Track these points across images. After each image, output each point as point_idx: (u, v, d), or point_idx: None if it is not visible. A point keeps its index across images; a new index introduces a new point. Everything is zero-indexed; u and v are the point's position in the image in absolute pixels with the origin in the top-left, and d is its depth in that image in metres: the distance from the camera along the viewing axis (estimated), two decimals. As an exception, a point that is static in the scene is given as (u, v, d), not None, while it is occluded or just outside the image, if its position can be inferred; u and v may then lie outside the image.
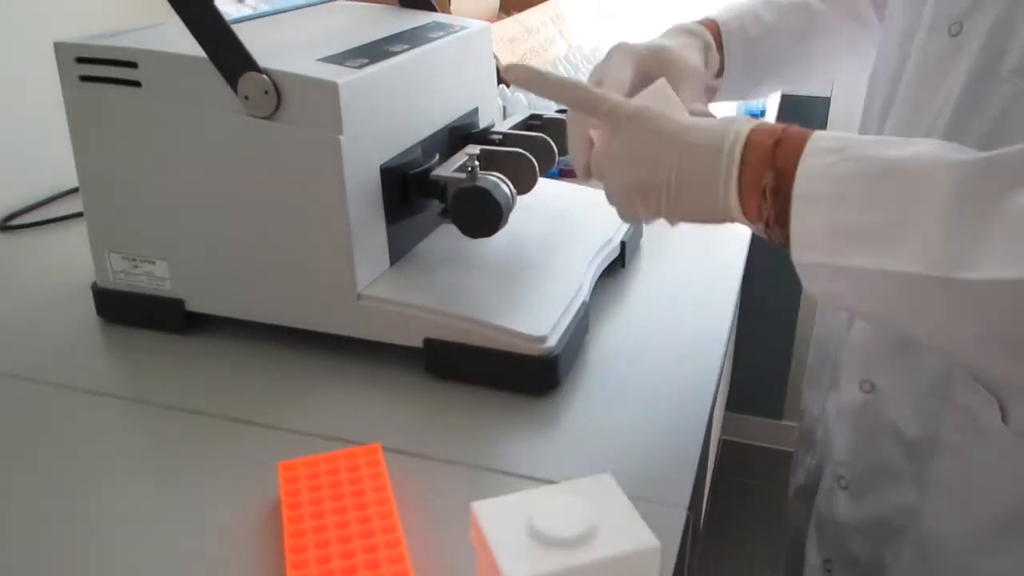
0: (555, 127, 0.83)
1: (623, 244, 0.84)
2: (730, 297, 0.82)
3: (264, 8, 0.94)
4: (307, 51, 0.69)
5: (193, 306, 0.74)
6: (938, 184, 0.42)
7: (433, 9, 0.90)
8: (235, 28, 0.71)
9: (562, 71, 1.33)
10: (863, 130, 0.70)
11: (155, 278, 0.74)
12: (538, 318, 0.67)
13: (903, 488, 0.63)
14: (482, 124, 0.87)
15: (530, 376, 0.66)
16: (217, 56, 0.64)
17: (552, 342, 0.66)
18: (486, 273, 0.73)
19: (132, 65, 0.67)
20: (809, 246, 0.45)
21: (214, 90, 0.65)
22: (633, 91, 0.58)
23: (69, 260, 0.88)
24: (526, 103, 1.12)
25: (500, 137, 0.79)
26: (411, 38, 0.77)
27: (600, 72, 0.62)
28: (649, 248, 0.90)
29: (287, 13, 0.87)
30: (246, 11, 0.90)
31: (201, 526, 0.54)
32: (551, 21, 1.58)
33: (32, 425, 0.64)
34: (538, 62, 1.43)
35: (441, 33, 0.81)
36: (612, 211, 0.57)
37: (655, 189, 0.51)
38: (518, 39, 1.43)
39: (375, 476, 0.54)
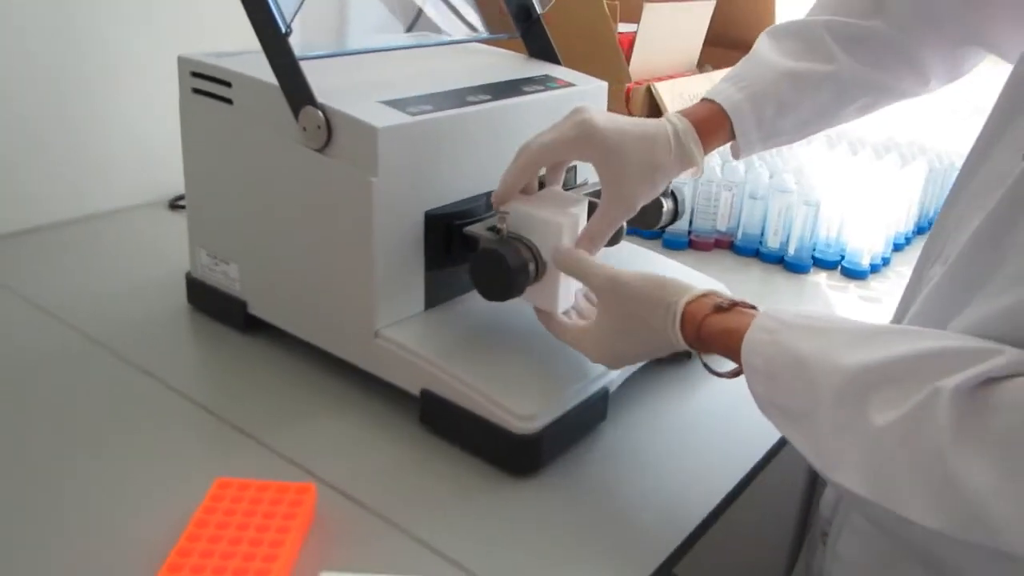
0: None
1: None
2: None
3: (415, 41, 0.98)
4: (381, 92, 0.71)
5: (253, 309, 0.79)
6: (825, 385, 0.47)
7: (557, 62, 0.89)
8: (344, 61, 0.76)
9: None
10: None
11: (229, 278, 0.80)
12: (534, 395, 0.64)
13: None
14: (587, 180, 0.85)
15: (509, 454, 0.63)
16: (285, 87, 0.68)
17: (538, 423, 0.62)
18: (513, 337, 0.71)
19: (227, 84, 0.73)
20: (760, 406, 0.54)
21: (285, 118, 0.69)
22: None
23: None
24: (665, 166, 1.07)
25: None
26: (502, 89, 0.77)
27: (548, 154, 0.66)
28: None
29: (414, 50, 0.90)
30: (402, 42, 0.95)
31: (142, 516, 0.57)
32: (755, 82, 1.50)
33: (72, 387, 0.72)
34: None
35: (539, 88, 0.80)
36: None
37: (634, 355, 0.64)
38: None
39: (289, 515, 0.54)
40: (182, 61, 0.77)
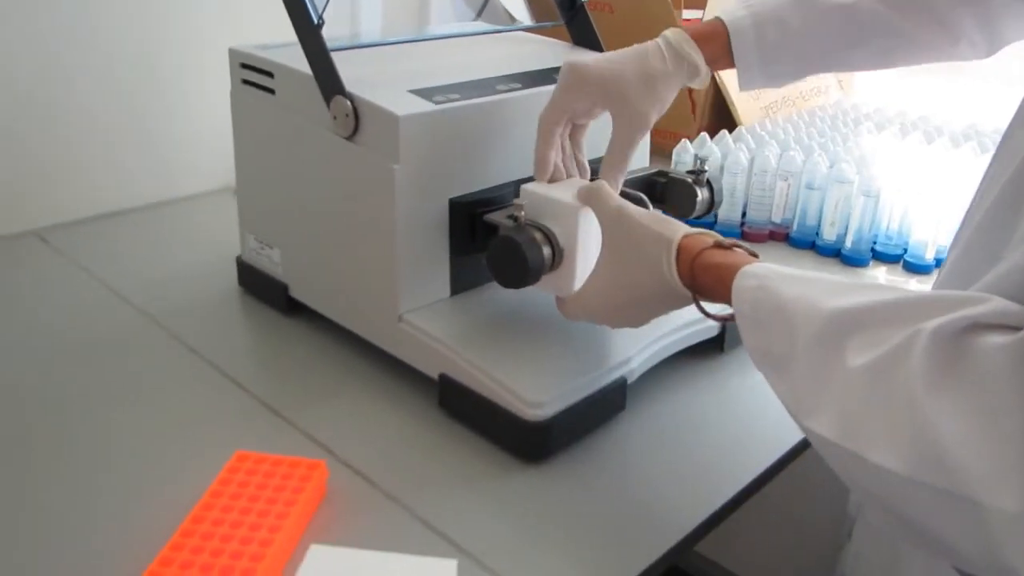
0: (678, 187, 0.78)
1: (723, 327, 0.77)
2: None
3: (459, 30, 0.99)
4: (413, 81, 0.72)
5: (294, 292, 0.82)
6: (805, 329, 0.46)
7: (600, 49, 0.88)
8: (388, 50, 0.79)
9: (816, 123, 1.21)
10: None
11: (273, 262, 0.83)
12: (546, 382, 0.64)
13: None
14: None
15: (519, 440, 0.64)
16: (318, 77, 0.70)
17: (548, 410, 0.63)
18: (535, 325, 0.71)
19: (270, 75, 0.76)
20: (751, 357, 0.52)
21: (320, 107, 0.71)
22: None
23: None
24: (719, 153, 1.05)
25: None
26: (534, 78, 0.77)
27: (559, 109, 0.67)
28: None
29: (457, 39, 0.91)
30: (444, 31, 0.96)
31: (164, 483, 0.61)
32: (832, 68, 1.44)
33: (118, 352, 0.77)
34: (790, 112, 1.32)
35: (574, 75, 0.79)
36: None
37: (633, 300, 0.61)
38: (772, 84, 1.33)
39: (298, 490, 0.57)
40: (232, 53, 0.81)
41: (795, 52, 0.68)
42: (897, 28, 0.67)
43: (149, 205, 1.12)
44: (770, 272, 0.52)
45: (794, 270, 0.52)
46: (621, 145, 0.66)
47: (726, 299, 0.55)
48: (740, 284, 0.52)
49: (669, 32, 0.68)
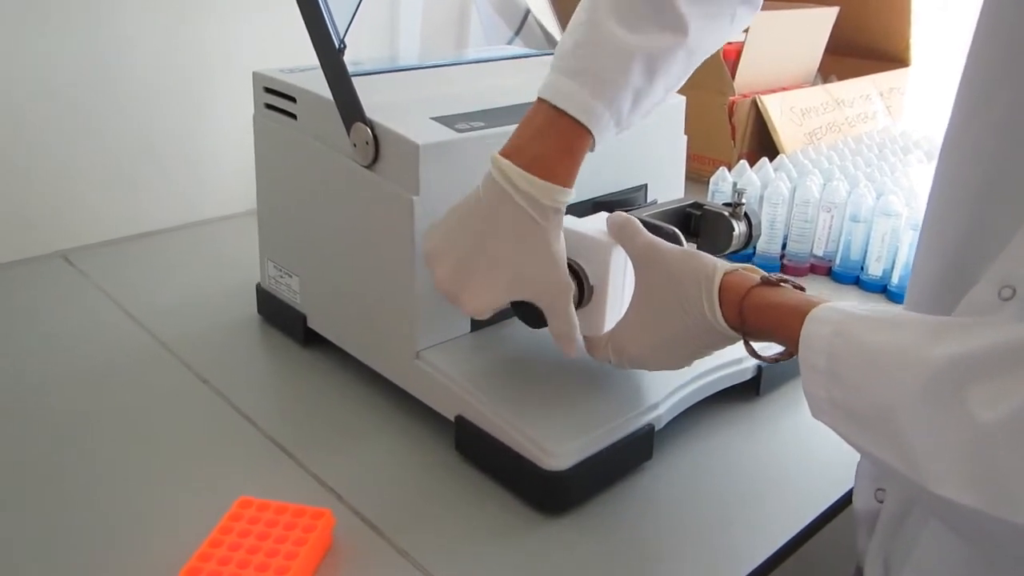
0: (713, 220, 0.74)
1: (759, 369, 0.72)
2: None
3: (495, 54, 0.97)
4: (437, 108, 0.69)
5: (312, 323, 0.79)
6: (906, 383, 0.41)
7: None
8: (415, 74, 0.76)
9: (863, 152, 1.16)
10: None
11: (291, 290, 0.81)
12: (567, 429, 0.61)
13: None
14: (656, 200, 0.80)
15: (538, 490, 0.60)
16: (339, 102, 0.67)
17: (568, 460, 0.59)
18: (558, 366, 0.68)
19: (292, 99, 0.74)
20: (819, 409, 0.47)
21: (341, 134, 0.69)
22: None
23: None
24: (759, 182, 1.00)
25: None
26: (564, 105, 0.74)
27: None
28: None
29: (493, 63, 0.88)
30: (473, 56, 0.94)
31: (162, 528, 0.58)
32: (879, 95, 1.39)
33: (133, 386, 0.75)
34: (835, 139, 1.27)
35: (606, 103, 0.76)
36: None
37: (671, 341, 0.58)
38: (817, 111, 1.29)
39: (300, 541, 0.53)
40: (256, 76, 0.79)
41: (643, 110, 0.61)
42: (720, 33, 0.63)
43: (176, 227, 1.11)
44: (845, 316, 0.46)
45: (869, 309, 0.47)
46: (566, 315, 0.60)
47: (784, 342, 0.51)
48: (811, 331, 0.47)
49: (522, 200, 0.57)
